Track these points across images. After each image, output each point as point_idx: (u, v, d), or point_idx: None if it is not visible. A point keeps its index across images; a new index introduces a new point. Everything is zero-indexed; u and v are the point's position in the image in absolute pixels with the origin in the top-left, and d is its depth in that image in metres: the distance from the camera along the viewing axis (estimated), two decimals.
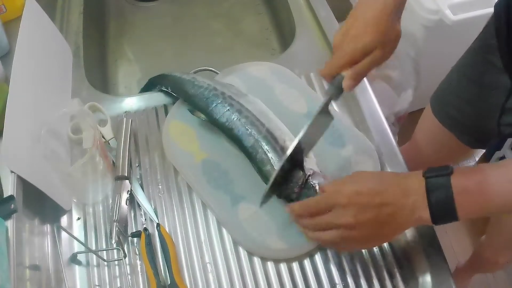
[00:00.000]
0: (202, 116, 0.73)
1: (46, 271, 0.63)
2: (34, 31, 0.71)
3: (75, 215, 0.69)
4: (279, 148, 0.66)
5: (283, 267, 0.63)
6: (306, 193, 0.62)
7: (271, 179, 0.61)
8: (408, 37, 1.32)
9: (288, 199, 0.64)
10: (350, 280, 0.62)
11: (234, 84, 0.77)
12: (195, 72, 0.94)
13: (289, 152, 0.60)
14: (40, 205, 0.67)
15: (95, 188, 0.69)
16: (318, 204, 0.58)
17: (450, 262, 0.62)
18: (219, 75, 0.83)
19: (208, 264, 0.64)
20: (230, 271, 0.63)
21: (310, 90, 0.79)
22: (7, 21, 0.85)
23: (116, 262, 0.64)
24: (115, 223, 0.65)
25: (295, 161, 0.62)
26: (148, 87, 0.86)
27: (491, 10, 0.73)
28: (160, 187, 0.71)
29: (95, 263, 0.65)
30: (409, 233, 0.65)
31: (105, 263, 0.64)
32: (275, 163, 0.65)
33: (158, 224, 0.67)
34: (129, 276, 0.63)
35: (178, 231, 0.67)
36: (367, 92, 0.78)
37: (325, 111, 0.61)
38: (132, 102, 0.81)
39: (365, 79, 0.79)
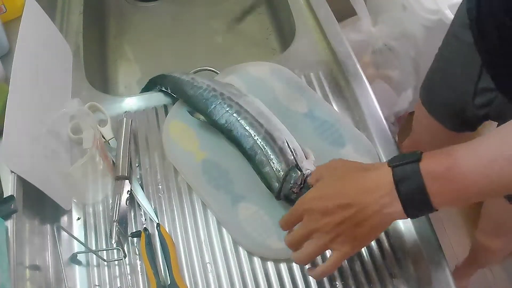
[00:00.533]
0: (201, 117, 0.73)
1: (46, 271, 0.63)
2: (34, 31, 0.71)
3: (75, 215, 0.69)
4: (278, 149, 0.66)
5: (283, 267, 0.63)
6: (305, 193, 0.62)
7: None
8: (408, 37, 1.32)
9: (288, 199, 0.64)
10: (350, 279, 0.62)
11: (234, 84, 0.77)
12: (195, 72, 0.94)
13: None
14: (40, 205, 0.67)
15: (95, 188, 0.69)
16: (292, 216, 0.57)
17: (450, 261, 0.62)
18: (219, 75, 0.83)
19: (208, 264, 0.64)
20: (230, 271, 0.63)
21: (310, 90, 0.79)
22: (7, 21, 0.85)
23: (116, 262, 0.64)
24: (115, 223, 0.65)
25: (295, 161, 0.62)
26: (148, 88, 0.86)
27: None
28: (160, 187, 0.71)
29: (95, 263, 0.65)
30: (408, 233, 0.65)
31: (105, 263, 0.64)
32: (274, 164, 0.65)
33: (158, 224, 0.67)
34: (129, 276, 0.63)
35: (178, 231, 0.67)
36: (367, 92, 0.78)
37: None
38: (132, 102, 0.81)
39: (365, 79, 0.79)
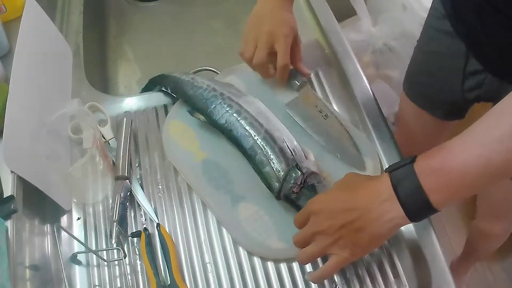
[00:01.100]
0: (201, 117, 0.73)
1: (46, 271, 0.63)
2: (34, 31, 0.71)
3: (75, 215, 0.69)
4: (278, 149, 0.66)
5: (283, 267, 0.63)
6: (305, 193, 0.63)
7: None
8: (408, 37, 1.32)
9: (288, 199, 0.64)
10: (350, 279, 0.62)
11: (234, 84, 0.77)
12: (195, 72, 0.94)
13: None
14: (40, 205, 0.67)
15: (95, 188, 0.69)
16: (301, 215, 0.59)
17: (450, 262, 0.62)
18: (219, 75, 0.83)
19: (208, 264, 0.64)
20: (230, 271, 0.63)
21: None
22: (7, 21, 0.86)
23: (116, 262, 0.64)
24: (115, 223, 0.65)
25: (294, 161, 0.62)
26: (148, 88, 0.86)
27: None
28: (160, 187, 0.71)
29: (95, 263, 0.65)
30: (408, 233, 0.65)
31: (105, 263, 0.64)
32: (274, 164, 0.65)
33: (158, 224, 0.67)
34: (129, 276, 0.63)
35: (178, 231, 0.67)
36: (367, 92, 0.78)
37: None
38: (132, 102, 0.81)
39: (365, 79, 0.79)
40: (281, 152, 0.66)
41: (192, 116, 0.74)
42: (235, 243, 0.65)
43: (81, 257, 0.65)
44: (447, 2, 0.74)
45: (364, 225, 0.53)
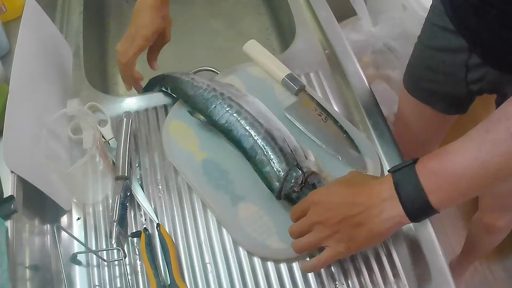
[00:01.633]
0: (201, 117, 0.73)
1: (46, 271, 0.63)
2: (34, 31, 0.71)
3: (75, 215, 0.69)
4: (278, 149, 0.66)
5: (283, 267, 0.63)
6: (306, 192, 0.62)
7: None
8: (408, 37, 1.33)
9: (288, 199, 0.64)
10: (350, 279, 0.62)
11: (234, 84, 0.77)
12: (195, 72, 0.94)
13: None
14: (40, 205, 0.67)
15: (95, 188, 0.69)
16: (299, 206, 0.60)
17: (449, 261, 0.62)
18: (219, 75, 0.83)
19: (208, 264, 0.64)
20: (230, 271, 0.63)
21: (310, 90, 0.79)
22: (7, 21, 0.86)
23: (116, 262, 0.64)
24: (115, 223, 0.65)
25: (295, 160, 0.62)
26: (148, 88, 0.86)
27: None
28: (160, 187, 0.71)
29: (95, 263, 0.65)
30: (408, 233, 0.65)
31: (105, 263, 0.64)
32: (275, 163, 0.65)
33: (158, 224, 0.67)
34: (129, 276, 0.63)
35: (178, 231, 0.67)
36: (367, 92, 0.78)
37: None
38: (132, 102, 0.81)
39: (365, 79, 0.79)
40: (281, 152, 0.66)
41: (192, 116, 0.74)
42: (235, 243, 0.65)
43: (81, 257, 0.65)
44: (446, 1, 0.75)
45: (363, 221, 0.54)
